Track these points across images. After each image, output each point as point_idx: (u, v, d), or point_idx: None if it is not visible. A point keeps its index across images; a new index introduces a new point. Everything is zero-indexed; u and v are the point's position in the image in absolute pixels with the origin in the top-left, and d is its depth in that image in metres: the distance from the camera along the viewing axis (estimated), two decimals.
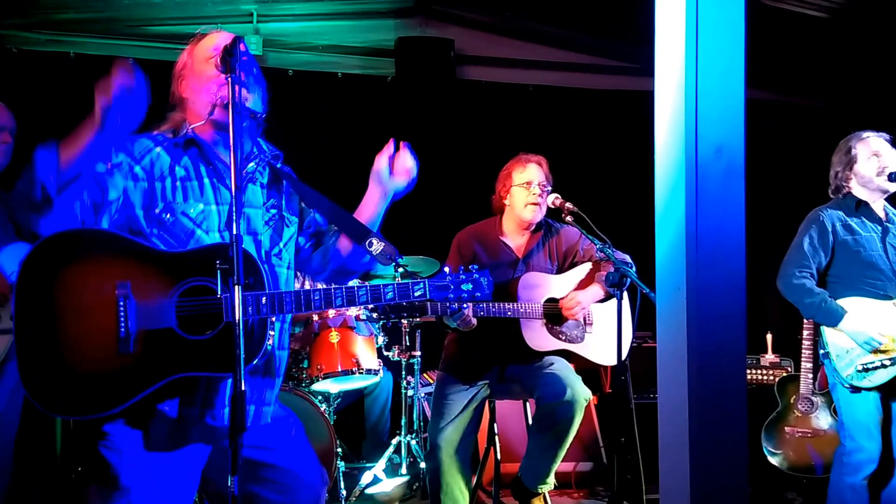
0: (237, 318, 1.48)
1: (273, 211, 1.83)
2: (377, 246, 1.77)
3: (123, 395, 1.57)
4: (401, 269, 3.75)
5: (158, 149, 1.74)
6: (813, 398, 3.69)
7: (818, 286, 2.92)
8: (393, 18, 4.98)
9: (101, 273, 1.59)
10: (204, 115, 1.74)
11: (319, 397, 3.69)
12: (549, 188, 3.11)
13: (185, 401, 1.66)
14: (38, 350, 1.56)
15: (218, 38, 1.79)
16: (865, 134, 2.99)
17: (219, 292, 1.58)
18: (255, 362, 1.66)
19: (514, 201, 3.13)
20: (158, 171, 1.71)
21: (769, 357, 4.29)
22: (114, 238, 1.63)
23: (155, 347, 1.59)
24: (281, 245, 1.83)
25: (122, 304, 1.57)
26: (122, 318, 1.57)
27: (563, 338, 3.07)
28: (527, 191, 3.08)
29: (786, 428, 3.74)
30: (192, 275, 1.61)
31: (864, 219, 2.96)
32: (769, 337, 4.36)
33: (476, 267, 1.81)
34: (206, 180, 1.74)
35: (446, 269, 1.80)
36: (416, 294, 1.75)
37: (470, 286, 1.78)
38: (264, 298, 1.63)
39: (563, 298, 3.08)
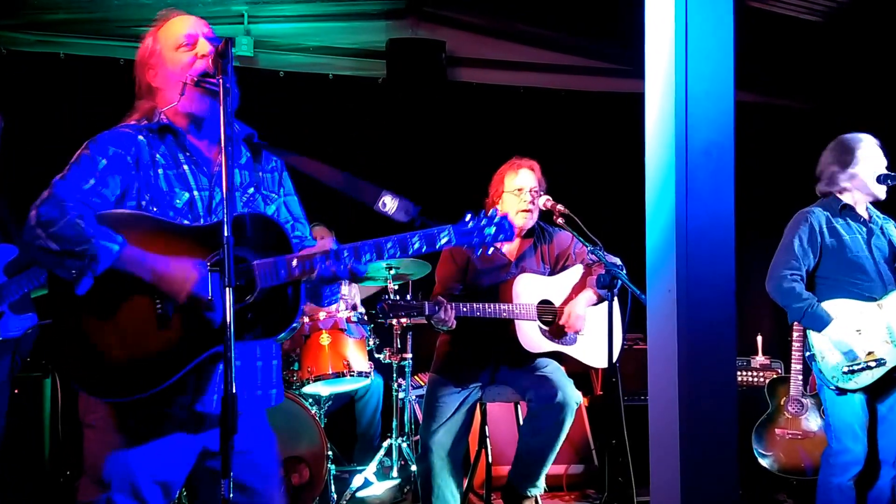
0: (228, 319, 1.46)
1: (251, 190, 1.81)
2: (391, 204, 1.72)
3: (167, 372, 1.56)
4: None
5: (141, 137, 1.71)
6: (803, 400, 3.71)
7: (806, 287, 2.94)
8: (384, 20, 4.98)
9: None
10: (174, 99, 1.71)
11: (310, 400, 3.68)
12: (542, 193, 3.09)
13: (174, 389, 1.62)
14: (77, 335, 1.55)
15: (188, 25, 1.75)
16: (865, 137, 2.98)
17: (208, 271, 1.58)
18: (283, 334, 1.66)
19: (506, 207, 3.12)
20: (143, 161, 1.69)
21: (759, 359, 4.31)
22: (140, 217, 1.63)
23: (192, 322, 1.58)
24: None
25: None
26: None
27: (557, 340, 3.07)
28: (517, 197, 3.08)
29: (776, 430, 3.75)
30: (219, 247, 1.58)
31: (848, 220, 2.97)
32: (759, 339, 4.38)
33: (497, 210, 1.82)
34: (186, 167, 1.72)
35: (467, 217, 1.80)
36: (443, 241, 1.75)
37: (493, 230, 1.79)
38: (295, 261, 1.63)
39: (560, 311, 3.07)
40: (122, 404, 1.60)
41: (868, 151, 2.96)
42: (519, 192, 3.07)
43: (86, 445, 1.65)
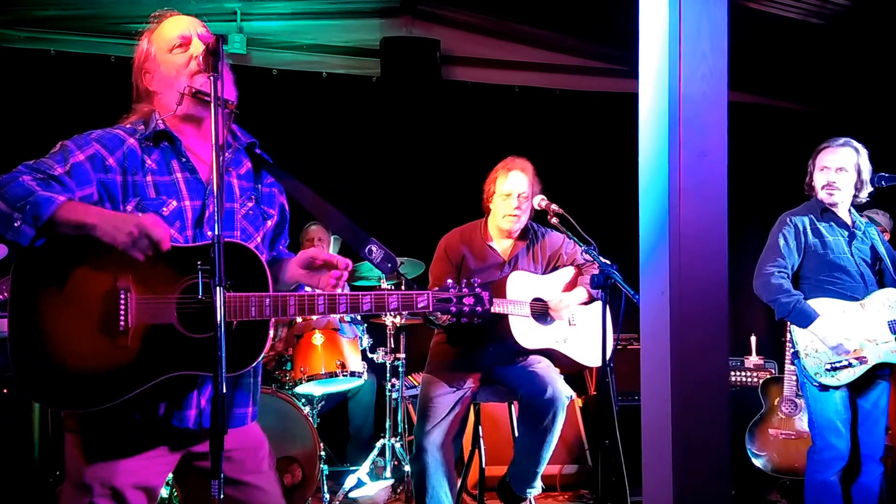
0: (219, 319, 1.44)
1: (250, 204, 1.77)
2: (377, 254, 1.73)
3: (119, 390, 1.53)
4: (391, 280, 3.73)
5: (132, 140, 1.67)
6: (796, 400, 3.72)
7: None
8: (378, 18, 4.96)
9: (106, 264, 1.55)
10: (172, 106, 1.68)
11: (303, 400, 3.66)
12: (536, 193, 3.07)
13: (152, 403, 1.61)
14: (34, 341, 1.52)
15: (181, 25, 1.72)
16: (829, 143, 3.04)
17: (197, 292, 1.54)
18: (250, 367, 1.63)
19: (495, 209, 3.13)
20: (131, 166, 1.65)
21: (753, 359, 4.31)
22: None
23: (154, 343, 1.55)
24: (259, 240, 1.77)
25: (123, 296, 1.54)
26: (123, 312, 1.54)
27: (550, 336, 3.09)
28: (504, 202, 3.07)
29: (769, 430, 3.77)
30: (198, 271, 1.56)
31: (832, 223, 3.02)
32: (753, 339, 4.39)
33: (478, 281, 1.82)
34: (179, 175, 1.68)
35: (449, 282, 1.80)
36: (420, 305, 1.74)
37: (472, 300, 1.78)
38: (268, 300, 1.60)
39: (550, 300, 3.09)
40: (95, 414, 1.57)
41: (820, 158, 3.01)
42: (507, 196, 3.07)
43: (67, 450, 1.63)
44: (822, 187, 3.00)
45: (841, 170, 2.97)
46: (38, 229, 1.50)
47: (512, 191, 3.06)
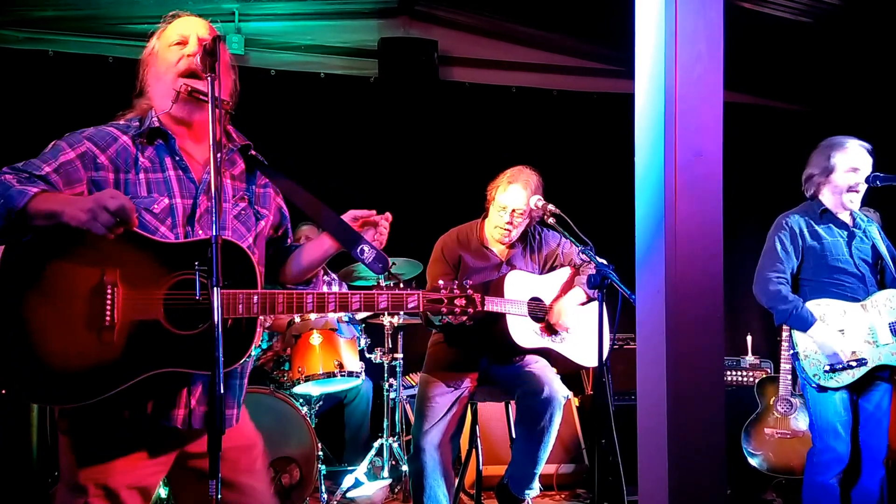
0: (216, 318, 1.45)
1: (242, 204, 1.77)
2: (369, 254, 1.72)
3: (104, 386, 1.52)
4: (391, 280, 3.74)
5: (125, 138, 1.68)
6: (792, 399, 3.73)
7: (792, 289, 2.97)
8: (376, 19, 4.97)
9: (93, 260, 1.54)
10: (165, 105, 1.69)
11: (301, 400, 3.67)
12: (534, 207, 3.05)
13: (140, 401, 1.60)
14: (18, 334, 1.51)
15: (184, 26, 1.73)
16: (847, 143, 2.97)
17: (197, 290, 1.53)
18: (238, 365, 1.63)
19: (492, 215, 3.13)
20: (123, 163, 1.65)
21: (749, 359, 4.33)
22: None
23: (140, 339, 1.55)
24: (251, 240, 1.77)
25: (109, 291, 1.54)
26: (109, 307, 1.53)
27: (547, 336, 3.09)
28: (499, 214, 3.07)
29: (765, 429, 3.78)
30: (187, 267, 1.56)
31: (831, 225, 3.00)
32: (749, 339, 4.40)
33: (469, 282, 1.81)
34: (171, 172, 1.68)
35: (440, 282, 1.78)
36: (410, 306, 1.73)
37: (464, 302, 1.77)
38: (256, 297, 1.60)
39: (550, 309, 3.09)
40: (84, 413, 1.57)
41: (846, 158, 2.95)
42: (502, 209, 3.06)
43: (61, 452, 1.63)
44: (849, 189, 2.93)
45: (863, 172, 2.94)
46: (12, 221, 1.48)
47: (507, 205, 3.05)
